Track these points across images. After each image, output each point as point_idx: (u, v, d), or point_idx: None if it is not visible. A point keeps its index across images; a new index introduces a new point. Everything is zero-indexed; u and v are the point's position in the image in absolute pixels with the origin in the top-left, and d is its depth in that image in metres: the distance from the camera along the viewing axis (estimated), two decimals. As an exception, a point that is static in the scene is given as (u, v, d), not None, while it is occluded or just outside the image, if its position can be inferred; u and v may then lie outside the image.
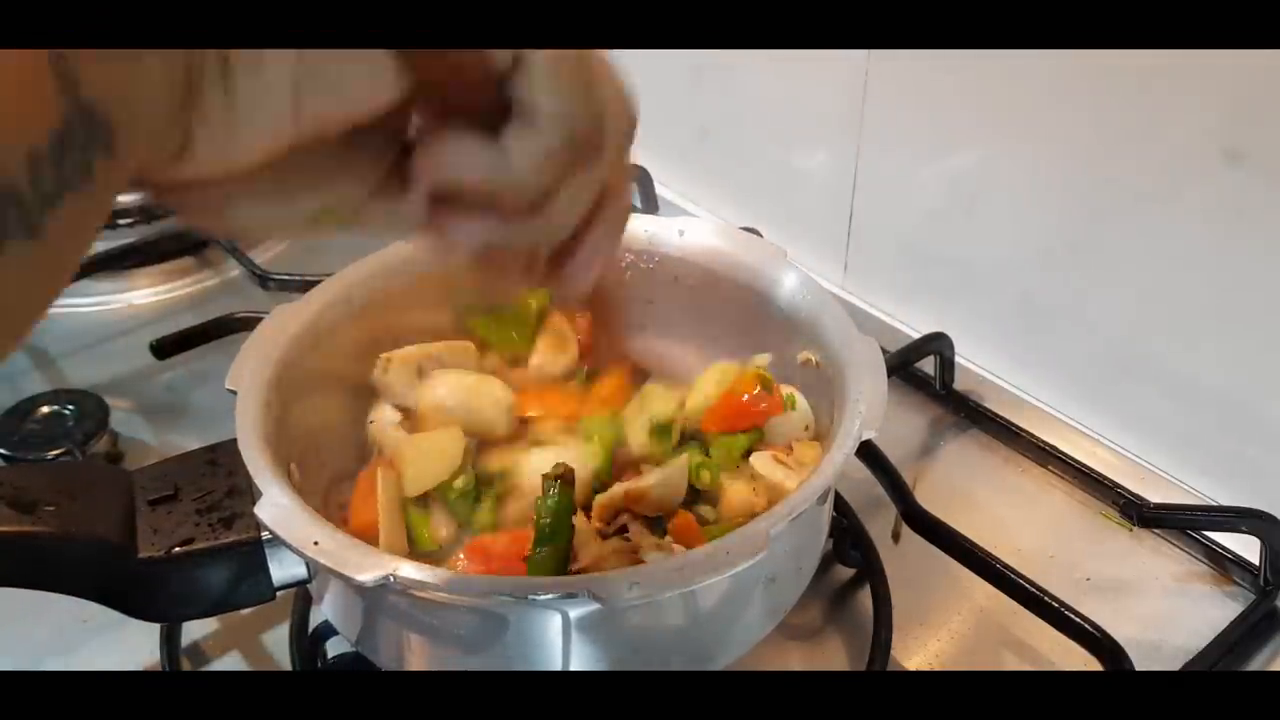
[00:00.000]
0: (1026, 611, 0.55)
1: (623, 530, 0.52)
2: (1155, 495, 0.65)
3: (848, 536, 0.61)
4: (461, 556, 0.52)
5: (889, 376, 0.53)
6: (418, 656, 0.50)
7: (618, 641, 0.48)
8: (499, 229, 0.34)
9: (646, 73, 1.04)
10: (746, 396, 0.58)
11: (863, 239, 0.83)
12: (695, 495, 0.56)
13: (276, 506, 0.46)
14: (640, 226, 0.64)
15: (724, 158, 0.93)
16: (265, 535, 0.47)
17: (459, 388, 0.59)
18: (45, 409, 0.70)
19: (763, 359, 0.62)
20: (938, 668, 0.57)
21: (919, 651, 0.58)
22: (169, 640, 0.56)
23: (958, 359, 0.73)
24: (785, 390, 0.59)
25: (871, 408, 0.50)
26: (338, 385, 0.59)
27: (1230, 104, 0.59)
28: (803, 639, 0.58)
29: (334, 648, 0.56)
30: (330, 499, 0.56)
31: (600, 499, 0.54)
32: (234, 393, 0.51)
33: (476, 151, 0.32)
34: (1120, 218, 0.66)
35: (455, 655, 0.49)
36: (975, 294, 0.77)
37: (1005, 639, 0.58)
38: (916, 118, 0.75)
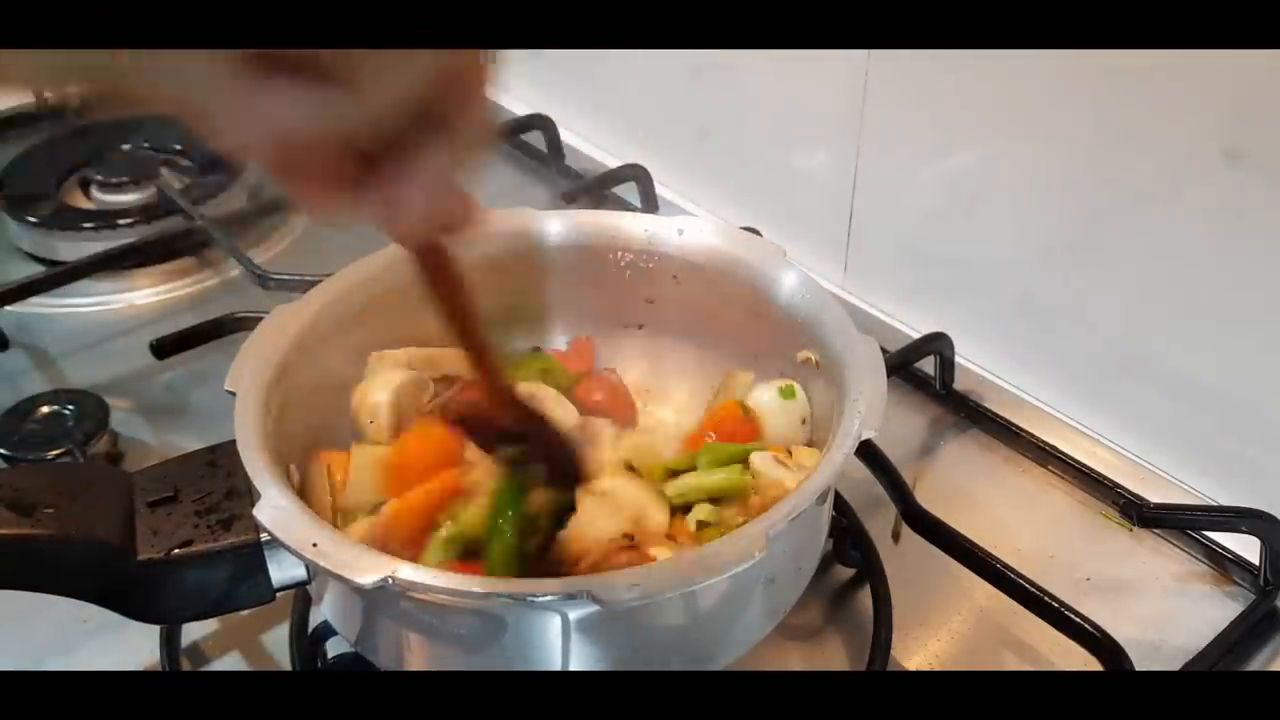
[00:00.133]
0: (1026, 611, 0.55)
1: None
2: (1155, 495, 0.65)
3: (848, 536, 0.61)
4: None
5: (889, 376, 0.53)
6: (417, 657, 0.50)
7: (618, 642, 0.48)
8: (300, 101, 0.28)
9: (646, 73, 1.04)
10: (712, 436, 0.59)
11: (863, 239, 0.83)
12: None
13: (276, 508, 0.46)
14: (640, 226, 0.64)
15: (724, 158, 0.93)
16: (264, 537, 0.47)
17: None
18: (45, 409, 0.70)
19: (746, 377, 0.62)
20: (938, 668, 0.57)
21: (919, 651, 0.58)
22: (169, 641, 0.56)
23: (958, 359, 0.73)
24: (783, 382, 0.60)
25: (871, 408, 0.50)
26: (338, 386, 0.59)
27: (1230, 104, 0.59)
28: (803, 639, 0.58)
29: (334, 648, 0.56)
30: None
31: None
32: (234, 394, 0.51)
33: None
34: (1120, 218, 0.66)
35: (455, 656, 0.49)
36: (975, 294, 0.77)
37: (1005, 639, 0.58)
38: (916, 118, 0.75)
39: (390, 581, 0.42)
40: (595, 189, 0.90)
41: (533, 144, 1.00)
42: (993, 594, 0.56)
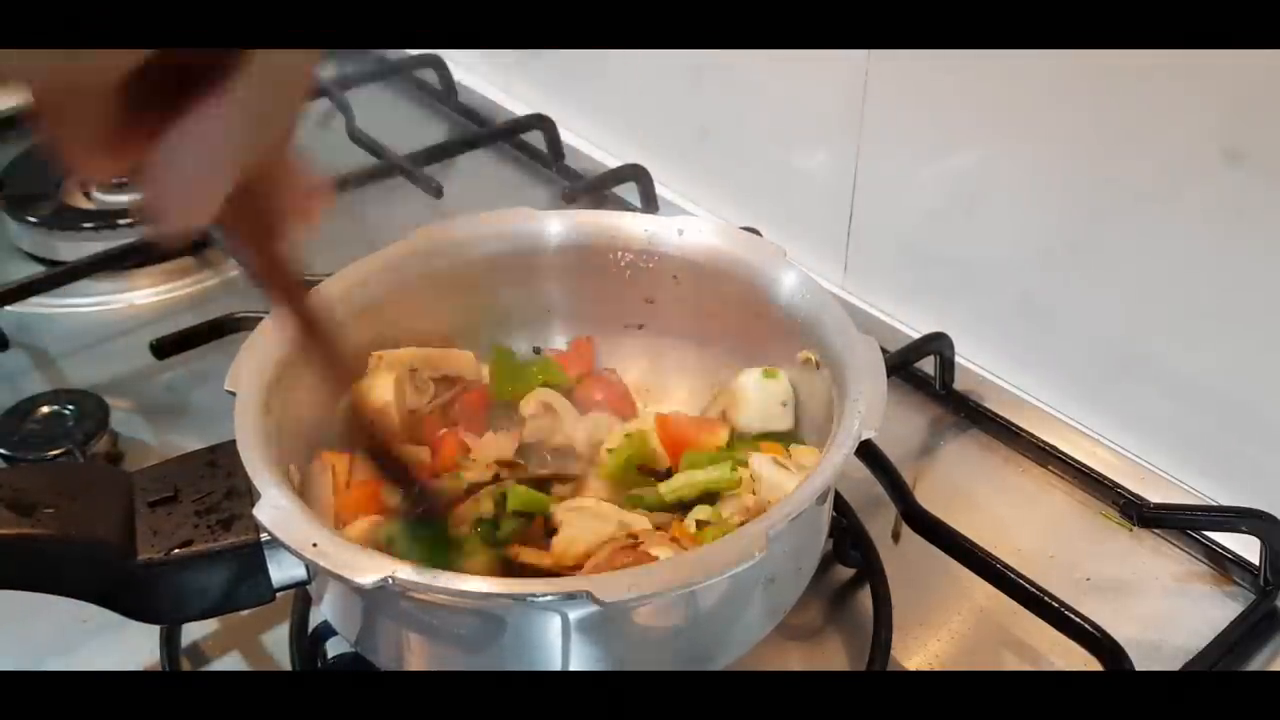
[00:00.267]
0: (1026, 611, 0.55)
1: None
2: (1155, 495, 0.65)
3: (848, 536, 0.61)
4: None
5: (889, 376, 0.53)
6: (417, 657, 0.50)
7: (617, 642, 0.48)
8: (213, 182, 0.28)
9: (646, 73, 1.04)
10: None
11: (863, 239, 0.83)
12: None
13: (275, 508, 0.46)
14: (640, 226, 0.64)
15: (724, 158, 0.93)
16: (264, 537, 0.47)
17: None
18: (45, 409, 0.70)
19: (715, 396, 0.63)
20: (938, 668, 0.57)
21: (919, 651, 0.58)
22: (169, 641, 0.56)
23: (958, 359, 0.73)
24: (764, 368, 0.61)
25: (871, 408, 0.50)
26: (337, 385, 0.59)
27: (1230, 104, 0.59)
28: (803, 639, 0.58)
29: (334, 648, 0.56)
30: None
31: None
32: (234, 394, 0.51)
33: None
34: (1120, 218, 0.66)
35: (455, 656, 0.49)
36: (975, 294, 0.77)
37: (1005, 639, 0.58)
38: (916, 118, 0.75)
39: (390, 581, 0.42)
40: (595, 189, 0.90)
41: (533, 144, 1.00)
42: (993, 594, 0.56)
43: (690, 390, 0.65)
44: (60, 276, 0.83)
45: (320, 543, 0.44)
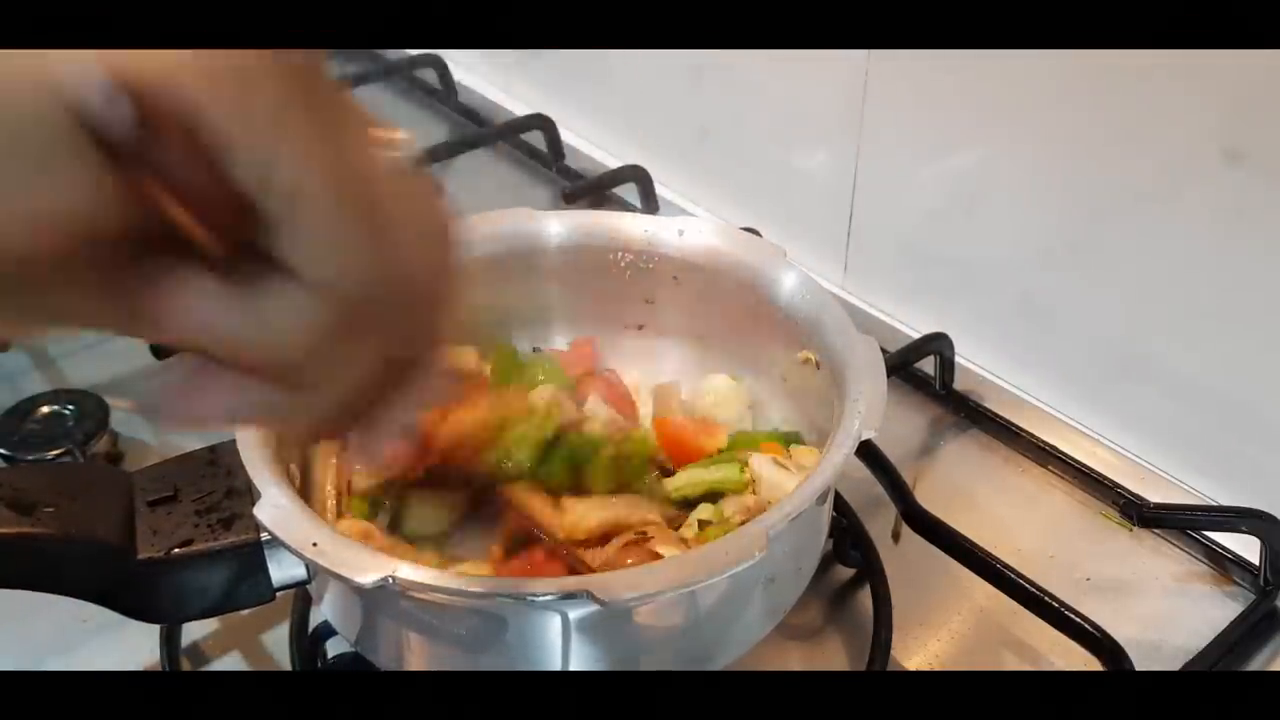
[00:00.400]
0: (1026, 611, 0.55)
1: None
2: (1155, 495, 0.65)
3: (848, 536, 0.61)
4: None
5: (889, 376, 0.53)
6: (417, 657, 0.50)
7: (618, 641, 0.48)
8: (249, 398, 0.28)
9: (646, 73, 1.04)
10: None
11: (863, 239, 0.83)
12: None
13: (276, 508, 0.46)
14: (640, 226, 0.64)
15: (724, 158, 0.93)
16: (264, 536, 0.47)
17: None
18: (45, 409, 0.70)
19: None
20: (938, 668, 0.57)
21: (919, 651, 0.58)
22: (169, 640, 0.56)
23: (958, 359, 0.73)
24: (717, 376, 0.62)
25: (871, 408, 0.50)
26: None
27: (1230, 104, 0.59)
28: (803, 639, 0.58)
29: (334, 648, 0.56)
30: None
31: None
32: (234, 393, 0.51)
33: (220, 304, 0.26)
34: (1120, 218, 0.66)
35: (455, 656, 0.49)
36: (975, 294, 0.77)
37: (1005, 639, 0.58)
38: (916, 118, 0.75)
39: (390, 581, 0.42)
40: (595, 189, 0.90)
41: (533, 144, 1.00)
42: (993, 594, 0.56)
43: (690, 390, 0.65)
44: (60, 276, 0.82)
45: (320, 542, 0.44)
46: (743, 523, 0.51)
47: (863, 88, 0.77)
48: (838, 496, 0.62)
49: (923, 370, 0.74)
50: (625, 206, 0.90)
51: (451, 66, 1.10)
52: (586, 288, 0.66)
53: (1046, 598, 0.54)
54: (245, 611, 0.58)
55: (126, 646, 0.57)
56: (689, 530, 0.54)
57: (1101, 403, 0.71)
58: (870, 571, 0.59)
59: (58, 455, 0.67)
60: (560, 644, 0.46)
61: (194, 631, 0.58)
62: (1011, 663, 0.57)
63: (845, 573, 0.61)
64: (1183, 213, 0.63)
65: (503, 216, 0.65)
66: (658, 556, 0.50)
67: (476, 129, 1.04)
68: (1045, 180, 0.69)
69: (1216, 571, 0.62)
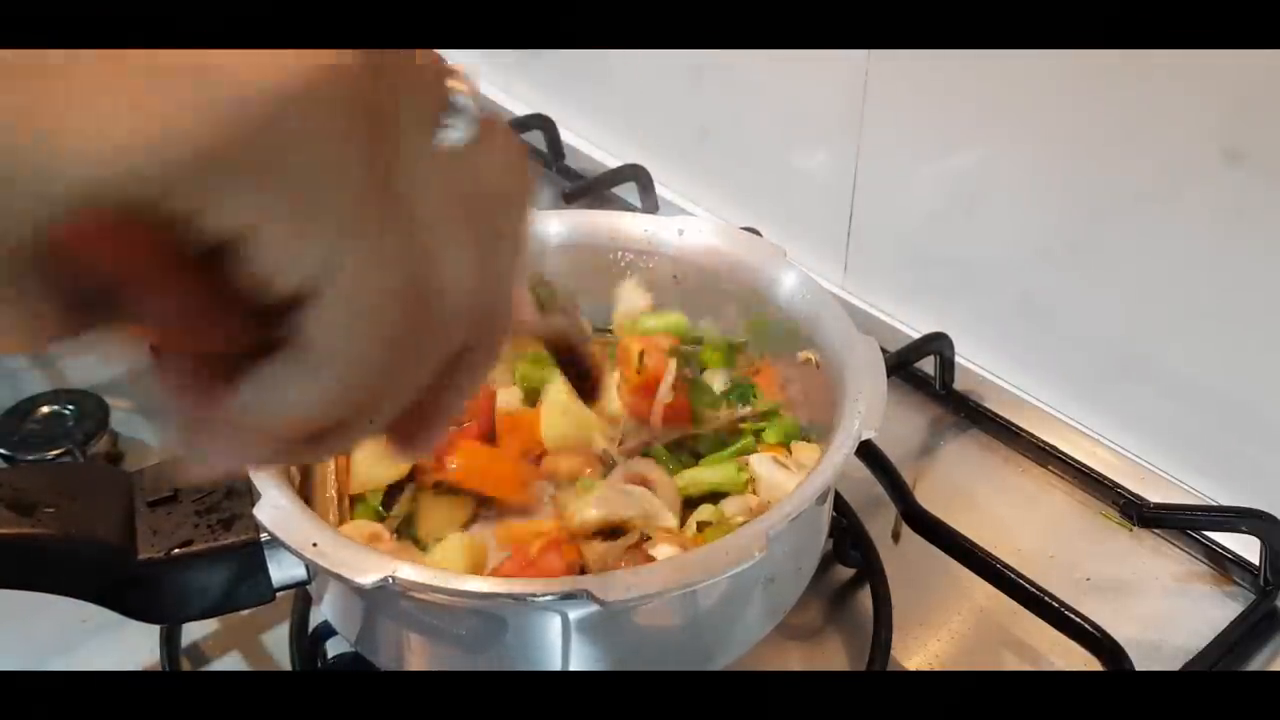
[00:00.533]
0: (1026, 611, 0.55)
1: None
2: (1155, 495, 0.65)
3: (848, 536, 0.61)
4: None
5: (889, 376, 0.53)
6: (417, 657, 0.50)
7: (618, 642, 0.48)
8: (266, 453, 0.27)
9: (646, 73, 1.04)
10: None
11: (863, 239, 0.83)
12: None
13: (276, 508, 0.46)
14: (640, 226, 0.64)
15: (724, 158, 0.93)
16: (264, 537, 0.47)
17: None
18: (45, 409, 0.70)
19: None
20: (938, 668, 0.57)
21: (919, 651, 0.58)
22: (169, 640, 0.56)
23: (958, 359, 0.73)
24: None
25: (871, 408, 0.50)
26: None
27: (1230, 104, 0.59)
28: (803, 639, 0.58)
29: (334, 648, 0.56)
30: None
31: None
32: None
33: (253, 396, 0.25)
34: (1120, 218, 0.66)
35: (455, 656, 0.49)
36: (975, 294, 0.77)
37: (1005, 639, 0.58)
38: (916, 118, 0.75)
39: (390, 581, 0.42)
40: (595, 189, 0.90)
41: (533, 144, 1.00)
42: (993, 594, 0.56)
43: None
44: (60, 276, 0.82)
45: (320, 542, 0.44)
46: (743, 523, 0.51)
47: (863, 88, 0.77)
48: (838, 496, 0.62)
49: (923, 370, 0.74)
50: (625, 206, 0.90)
51: (451, 66, 1.10)
52: (586, 288, 0.66)
53: (1046, 598, 0.54)
54: (245, 611, 0.58)
55: (126, 646, 0.57)
56: (688, 530, 0.54)
57: (1101, 403, 0.71)
58: (870, 571, 0.59)
59: (58, 455, 0.67)
60: (560, 644, 0.46)
61: (194, 631, 0.58)
62: (1011, 663, 0.57)
63: (845, 573, 0.61)
64: (1183, 213, 0.63)
65: (503, 216, 0.65)
66: (649, 559, 0.50)
67: (476, 129, 1.04)
68: (1045, 180, 0.69)
69: (1216, 571, 0.62)
